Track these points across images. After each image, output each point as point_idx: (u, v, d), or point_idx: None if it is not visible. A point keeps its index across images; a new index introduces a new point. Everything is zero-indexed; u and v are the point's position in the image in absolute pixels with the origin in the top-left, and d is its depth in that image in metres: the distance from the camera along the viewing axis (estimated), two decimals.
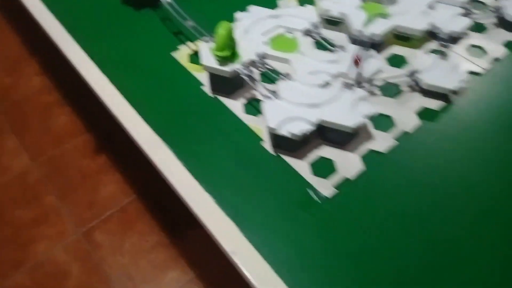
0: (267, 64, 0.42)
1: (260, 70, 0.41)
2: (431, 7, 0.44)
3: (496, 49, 0.44)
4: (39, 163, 0.93)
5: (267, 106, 0.35)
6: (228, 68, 0.37)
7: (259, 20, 0.45)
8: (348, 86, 0.37)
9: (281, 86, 0.37)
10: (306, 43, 0.43)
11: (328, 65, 0.40)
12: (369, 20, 0.43)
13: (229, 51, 0.36)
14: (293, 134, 0.33)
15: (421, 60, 0.41)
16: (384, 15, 0.43)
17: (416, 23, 0.43)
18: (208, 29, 0.41)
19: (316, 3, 0.46)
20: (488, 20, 0.46)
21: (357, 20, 0.43)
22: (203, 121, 0.38)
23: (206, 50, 0.38)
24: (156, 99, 0.40)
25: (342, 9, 0.44)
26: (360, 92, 0.36)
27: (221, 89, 0.40)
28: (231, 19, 0.44)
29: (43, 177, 0.91)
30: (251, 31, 0.44)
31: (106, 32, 0.46)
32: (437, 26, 0.43)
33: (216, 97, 0.40)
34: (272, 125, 0.34)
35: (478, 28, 0.46)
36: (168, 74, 0.42)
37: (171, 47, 0.44)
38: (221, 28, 0.36)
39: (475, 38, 0.45)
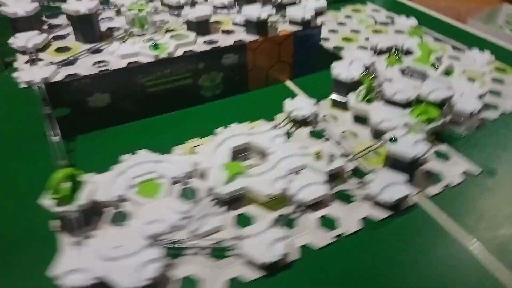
0: (121, 207, 0.43)
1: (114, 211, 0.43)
2: (295, 171, 0.45)
3: (351, 224, 0.42)
4: None
5: (66, 252, 0.35)
6: (59, 209, 0.39)
7: (139, 164, 0.48)
8: (163, 242, 0.37)
9: (103, 232, 0.38)
10: (171, 190, 0.45)
11: (174, 215, 0.41)
12: (227, 178, 0.44)
13: (61, 195, 0.39)
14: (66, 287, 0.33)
15: (261, 224, 0.40)
16: (243, 175, 0.44)
17: (271, 187, 0.43)
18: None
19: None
20: (356, 190, 0.45)
21: (216, 177, 0.44)
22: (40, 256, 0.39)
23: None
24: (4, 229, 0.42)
25: (207, 165, 0.46)
26: (159, 251, 0.36)
27: (67, 228, 0.41)
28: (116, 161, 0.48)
29: None
30: (126, 173, 0.46)
31: None
32: (295, 192, 0.43)
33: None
34: (54, 274, 0.34)
35: (343, 197, 0.45)
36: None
37: None
38: (56, 173, 0.39)
39: (334, 209, 0.43)
